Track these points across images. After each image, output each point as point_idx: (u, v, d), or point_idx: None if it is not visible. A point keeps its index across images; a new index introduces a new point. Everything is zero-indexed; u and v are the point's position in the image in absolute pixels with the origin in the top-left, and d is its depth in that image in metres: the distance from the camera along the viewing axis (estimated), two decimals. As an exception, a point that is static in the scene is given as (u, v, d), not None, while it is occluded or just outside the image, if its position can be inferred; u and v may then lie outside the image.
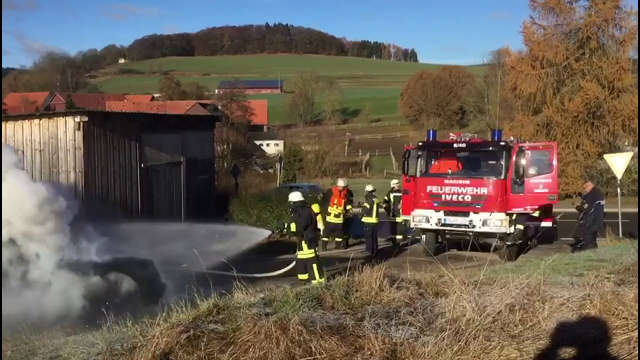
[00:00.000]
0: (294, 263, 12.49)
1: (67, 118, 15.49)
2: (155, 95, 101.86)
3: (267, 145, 70.68)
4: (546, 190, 14.61)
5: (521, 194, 14.54)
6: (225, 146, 48.29)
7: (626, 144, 29.66)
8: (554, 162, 14.86)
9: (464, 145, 15.25)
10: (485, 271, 5.87)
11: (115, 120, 17.16)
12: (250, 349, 4.12)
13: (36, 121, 15.69)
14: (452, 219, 14.62)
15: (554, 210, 16.89)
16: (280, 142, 67.81)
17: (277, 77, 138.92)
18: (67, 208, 10.78)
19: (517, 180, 14.49)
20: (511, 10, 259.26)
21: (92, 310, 9.11)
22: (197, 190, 20.45)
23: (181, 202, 19.67)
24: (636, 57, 29.50)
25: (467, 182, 14.58)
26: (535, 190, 14.59)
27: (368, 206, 16.49)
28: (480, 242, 14.19)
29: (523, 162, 14.52)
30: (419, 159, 15.42)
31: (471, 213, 14.39)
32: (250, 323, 4.32)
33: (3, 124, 15.50)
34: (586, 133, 28.60)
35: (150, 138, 17.88)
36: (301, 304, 4.76)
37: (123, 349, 4.23)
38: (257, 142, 68.47)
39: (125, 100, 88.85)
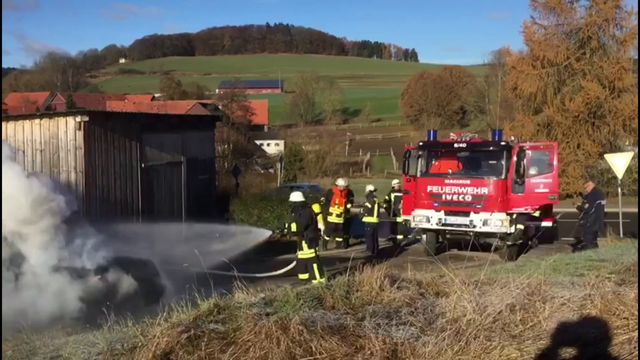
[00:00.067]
0: (294, 263, 12.49)
1: (67, 118, 15.49)
2: (156, 95, 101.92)
3: (268, 145, 70.72)
4: (547, 190, 14.60)
5: (522, 194, 14.54)
6: (225, 146, 48.33)
7: (627, 143, 29.64)
8: (555, 162, 14.86)
9: (464, 145, 15.24)
10: (486, 271, 5.87)
11: (115, 120, 17.16)
12: (251, 349, 4.12)
13: (37, 121, 15.70)
14: (452, 219, 14.62)
15: (555, 210, 16.89)
16: (281, 142, 67.84)
17: (277, 77, 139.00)
18: (64, 205, 10.58)
19: (518, 180, 14.48)
20: (512, 10, 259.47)
21: (89, 311, 9.08)
22: (197, 190, 20.45)
23: (182, 202, 19.67)
24: (637, 57, 29.50)
25: (468, 182, 14.57)
26: (536, 190, 14.58)
27: (370, 206, 16.49)
28: (480, 242, 14.20)
29: (524, 162, 14.51)
30: (420, 159, 15.42)
31: (472, 213, 14.38)
32: (250, 323, 4.32)
33: (4, 124, 15.51)
34: (587, 133, 28.58)
35: (151, 138, 17.88)
36: (302, 304, 4.76)
37: (124, 348, 4.23)
38: (258, 142, 68.50)
39: (126, 100, 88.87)
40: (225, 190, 26.46)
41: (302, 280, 11.55)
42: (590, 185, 15.31)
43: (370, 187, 17.24)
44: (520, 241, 14.57)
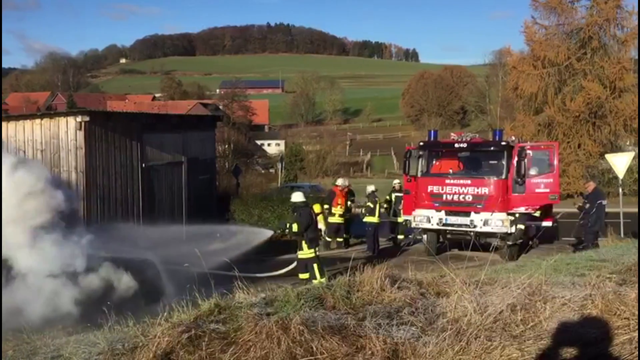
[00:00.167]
0: (295, 263, 12.50)
1: (68, 118, 15.49)
2: (157, 95, 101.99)
3: (269, 145, 70.72)
4: (547, 190, 14.60)
5: (522, 194, 14.53)
6: (226, 146, 48.37)
7: (628, 143, 29.60)
8: (555, 162, 14.85)
9: (465, 145, 15.23)
10: (487, 271, 5.87)
11: (116, 120, 17.16)
12: (252, 349, 4.12)
13: (38, 121, 15.71)
14: (453, 219, 14.61)
15: (555, 210, 16.88)
16: (282, 142, 67.80)
17: (278, 77, 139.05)
18: (61, 201, 10.39)
19: (519, 180, 14.47)
20: (512, 10, 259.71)
21: (85, 311, 9.03)
22: (198, 190, 20.45)
23: (182, 202, 19.67)
24: (637, 57, 29.48)
25: (468, 182, 14.57)
26: (537, 190, 14.57)
27: (372, 206, 16.50)
28: (481, 242, 14.20)
29: (524, 162, 14.50)
30: (420, 159, 15.41)
31: (472, 213, 14.38)
32: (251, 323, 4.32)
33: (5, 124, 15.52)
34: (588, 133, 28.56)
35: (152, 138, 17.89)
36: (302, 304, 4.76)
37: (124, 348, 4.23)
38: (259, 142, 68.50)
39: (127, 100, 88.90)
40: (226, 190, 26.47)
41: (303, 280, 11.57)
42: (591, 185, 15.31)
43: (371, 188, 17.25)
44: (521, 241, 14.57)
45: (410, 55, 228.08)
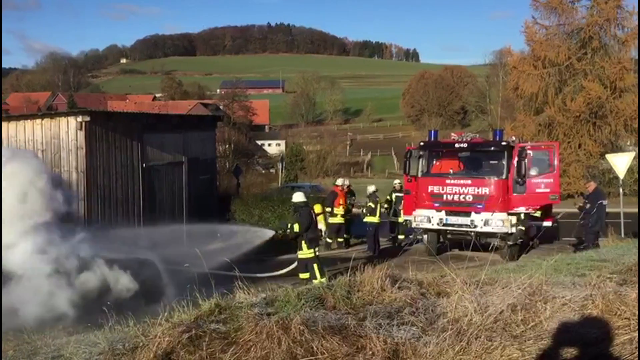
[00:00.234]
0: (296, 263, 12.51)
1: (69, 118, 15.49)
2: (157, 95, 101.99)
3: (269, 145, 70.70)
4: (548, 190, 14.59)
5: (523, 194, 14.52)
6: (227, 146, 48.39)
7: (628, 143, 29.59)
8: (556, 162, 14.84)
9: (465, 145, 15.23)
10: (487, 271, 5.87)
11: (117, 120, 17.16)
12: (252, 349, 4.12)
13: (38, 121, 15.71)
14: (453, 219, 14.61)
15: (556, 210, 16.87)
16: (282, 142, 67.75)
17: (278, 77, 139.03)
18: (57, 198, 10.30)
19: (519, 180, 14.46)
20: (513, 10, 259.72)
21: (82, 313, 9.00)
22: (198, 190, 20.45)
23: (183, 202, 19.67)
24: (637, 57, 29.46)
25: (469, 182, 14.56)
26: (537, 190, 14.57)
27: (373, 206, 16.51)
28: (481, 242, 14.20)
29: (525, 162, 14.49)
30: (421, 159, 15.41)
31: (473, 213, 14.38)
32: (252, 323, 4.32)
33: (5, 124, 15.52)
34: (588, 133, 28.56)
35: (152, 138, 17.89)
36: (303, 304, 4.76)
37: (125, 348, 4.23)
38: (259, 142, 68.50)
39: (127, 100, 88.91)
40: (227, 190, 26.49)
41: (303, 280, 11.58)
42: (592, 185, 15.30)
43: (372, 188, 17.25)
44: (521, 241, 14.56)
45: (411, 55, 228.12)
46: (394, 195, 18.42)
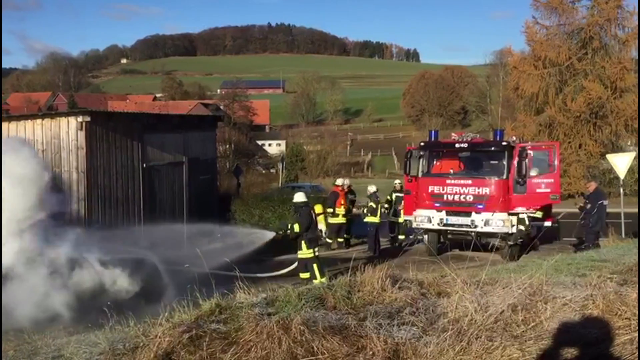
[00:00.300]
0: (296, 263, 12.51)
1: (69, 118, 15.50)
2: (158, 95, 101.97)
3: (269, 145, 70.69)
4: (548, 190, 14.58)
5: (523, 194, 14.52)
6: (227, 146, 48.42)
7: (629, 143, 29.59)
8: (556, 162, 14.83)
9: (465, 145, 15.22)
10: (488, 271, 5.86)
11: (117, 120, 17.17)
12: (253, 349, 4.12)
13: (39, 121, 15.71)
14: (454, 219, 14.60)
15: (556, 210, 16.86)
16: (282, 142, 67.72)
17: (279, 77, 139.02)
18: (50, 196, 10.18)
19: (519, 180, 14.46)
20: (513, 10, 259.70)
21: (78, 313, 8.97)
22: (199, 190, 20.45)
23: (183, 202, 19.67)
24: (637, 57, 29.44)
25: (469, 182, 14.56)
26: (538, 190, 14.56)
27: (374, 206, 16.51)
28: (482, 242, 14.20)
29: (525, 162, 14.49)
30: (421, 159, 15.40)
31: (473, 213, 14.37)
32: (252, 323, 4.32)
33: (6, 124, 15.52)
34: (589, 133, 28.55)
35: (153, 138, 17.89)
36: (303, 304, 4.76)
37: (125, 348, 4.23)
38: (259, 142, 68.50)
39: (128, 100, 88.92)
40: (227, 191, 26.49)
41: (304, 279, 11.59)
42: (592, 186, 15.30)
43: (372, 188, 17.24)
44: (521, 240, 14.55)
45: (411, 56, 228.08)
46: (394, 196, 18.42)
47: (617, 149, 27.03)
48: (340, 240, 17.95)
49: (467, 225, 14.44)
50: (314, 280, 11.17)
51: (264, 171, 51.39)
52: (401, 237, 18.00)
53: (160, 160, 18.42)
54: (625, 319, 4.41)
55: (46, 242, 9.99)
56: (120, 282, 10.65)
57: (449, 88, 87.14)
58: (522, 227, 14.46)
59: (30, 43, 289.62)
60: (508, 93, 36.68)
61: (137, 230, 15.56)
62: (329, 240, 17.73)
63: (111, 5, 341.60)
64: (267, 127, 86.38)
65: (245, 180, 30.88)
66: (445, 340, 4.14)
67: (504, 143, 14.88)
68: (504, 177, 14.45)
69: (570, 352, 4.03)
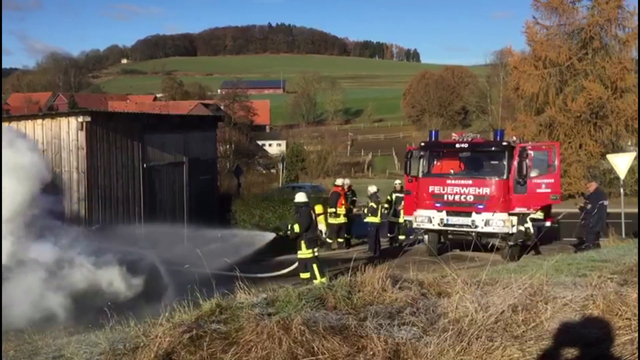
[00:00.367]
0: (297, 263, 12.51)
1: (70, 118, 15.51)
2: (158, 95, 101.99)
3: (270, 145, 70.71)
4: (549, 190, 14.57)
5: (524, 194, 14.51)
6: (227, 146, 48.45)
7: (629, 144, 29.59)
8: (557, 162, 14.82)
9: (466, 145, 15.21)
10: (488, 271, 5.86)
11: (117, 121, 17.18)
12: (253, 349, 4.12)
13: (39, 121, 15.72)
14: (454, 219, 14.59)
15: (557, 210, 16.85)
16: (283, 142, 67.71)
17: (279, 77, 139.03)
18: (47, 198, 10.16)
19: (520, 180, 14.45)
20: (513, 10, 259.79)
21: (77, 313, 8.96)
22: (199, 190, 20.46)
23: (183, 202, 19.68)
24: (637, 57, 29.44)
25: (470, 182, 14.55)
26: (538, 190, 14.55)
27: (375, 206, 16.51)
28: (482, 242, 14.19)
29: (525, 162, 14.48)
30: (421, 159, 15.39)
31: (473, 213, 14.36)
32: (252, 323, 4.32)
33: (6, 124, 15.52)
34: (589, 133, 28.55)
35: (153, 138, 17.90)
36: (303, 304, 4.76)
37: (126, 348, 4.23)
38: (260, 142, 68.51)
39: (128, 101, 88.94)
40: (227, 191, 26.50)
41: (304, 279, 11.59)
42: (593, 186, 15.29)
43: (373, 188, 17.24)
44: (521, 240, 14.54)
45: (412, 56, 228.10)
46: (394, 196, 18.42)
47: (618, 149, 27.03)
48: (340, 240, 17.95)
49: (467, 226, 14.43)
50: (314, 281, 11.16)
51: (264, 171, 51.41)
52: (401, 237, 17.99)
53: (161, 161, 18.43)
54: (626, 319, 4.41)
55: (41, 240, 9.95)
56: (120, 282, 10.64)
57: (449, 88, 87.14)
58: (521, 227, 14.44)
59: (31, 43, 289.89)
60: (508, 93, 36.70)
61: (137, 230, 15.57)
62: (329, 240, 17.72)
63: (111, 5, 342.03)
64: (267, 127, 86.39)
65: (245, 180, 30.90)
66: (445, 341, 4.14)
67: (505, 143, 14.87)
68: (505, 177, 14.44)
69: (570, 352, 4.03)
